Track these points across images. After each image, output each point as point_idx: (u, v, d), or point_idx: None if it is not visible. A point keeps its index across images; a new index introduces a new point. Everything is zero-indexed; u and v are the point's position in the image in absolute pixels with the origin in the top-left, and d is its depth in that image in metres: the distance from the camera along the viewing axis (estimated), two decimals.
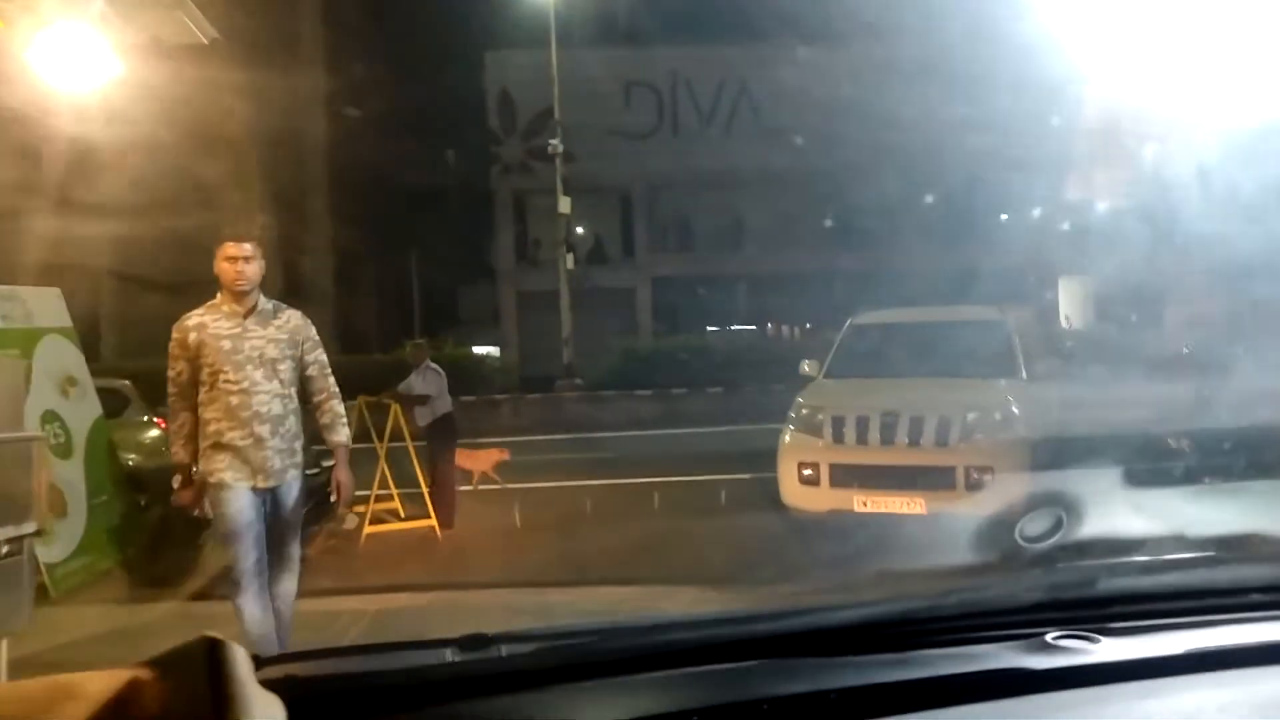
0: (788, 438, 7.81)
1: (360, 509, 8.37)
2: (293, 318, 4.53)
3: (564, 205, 20.60)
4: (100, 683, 0.60)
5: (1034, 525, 2.45)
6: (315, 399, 4.61)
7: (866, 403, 7.53)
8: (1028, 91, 28.66)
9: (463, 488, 10.40)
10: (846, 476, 7.34)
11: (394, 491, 8.93)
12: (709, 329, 28.24)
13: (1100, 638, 1.38)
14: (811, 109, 28.81)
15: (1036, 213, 29.46)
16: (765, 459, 12.69)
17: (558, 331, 22.08)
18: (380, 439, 8.75)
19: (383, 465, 8.73)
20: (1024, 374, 7.83)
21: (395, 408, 8.73)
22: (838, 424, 7.48)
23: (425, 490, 8.73)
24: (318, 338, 4.59)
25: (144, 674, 0.61)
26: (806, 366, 8.85)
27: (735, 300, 30.13)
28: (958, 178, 30.57)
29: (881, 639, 1.40)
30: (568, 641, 1.42)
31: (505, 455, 11.15)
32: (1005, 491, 6.82)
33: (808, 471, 7.49)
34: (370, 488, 8.51)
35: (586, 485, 11.52)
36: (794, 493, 7.62)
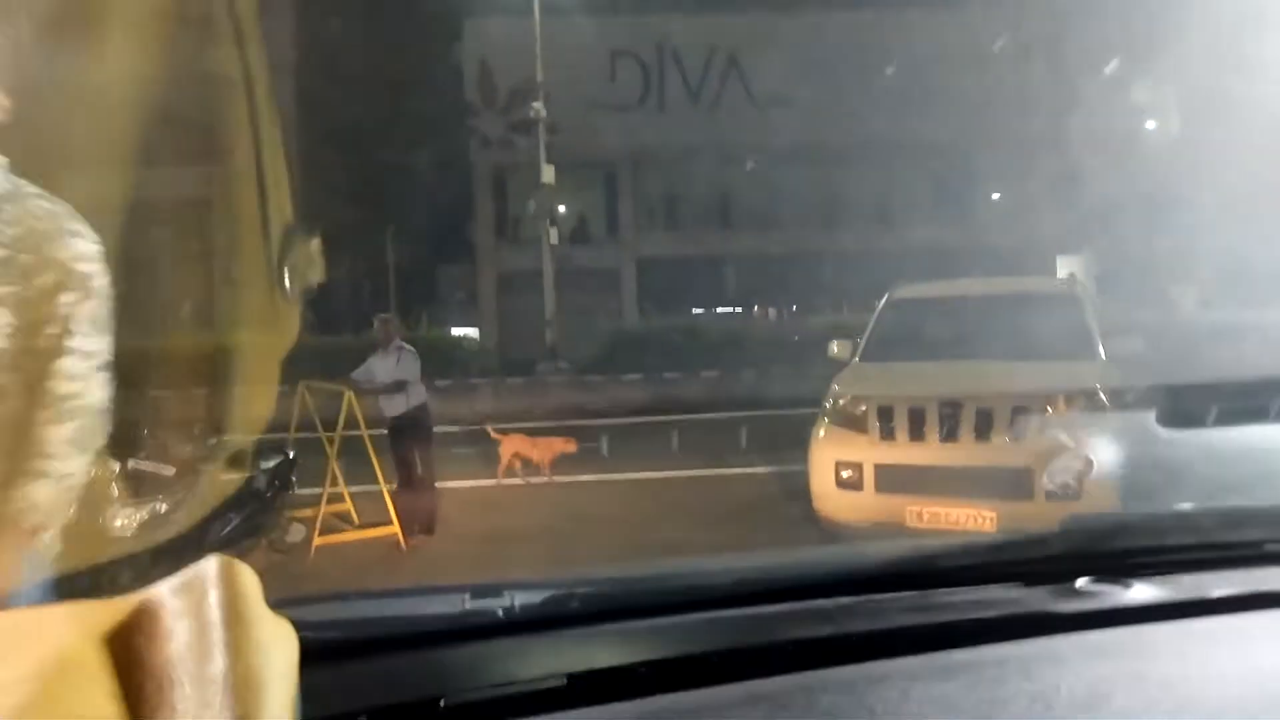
0: (822, 432, 6.41)
1: (307, 513, 6.94)
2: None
3: (547, 174, 19.10)
4: (112, 608, 0.59)
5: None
6: None
7: (920, 391, 6.14)
8: (1032, 65, 27.44)
9: (535, 479, 9.68)
10: (897, 481, 5.95)
11: (344, 491, 7.50)
12: (695, 311, 26.97)
13: (1132, 582, 1.34)
14: (804, 81, 27.47)
15: (1032, 191, 28.23)
16: (774, 451, 11.46)
17: (539, 312, 20.64)
18: (330, 430, 7.31)
19: (333, 464, 7.29)
20: (1102, 354, 6.45)
21: (349, 395, 7.27)
22: (886, 416, 6.08)
23: (385, 491, 7.29)
24: None
25: (155, 596, 0.60)
26: (836, 348, 7.44)
27: (724, 281, 28.73)
28: (955, 154, 29.23)
29: (906, 582, 1.37)
30: (585, 589, 1.31)
31: (570, 446, 9.87)
32: (1094, 501, 5.48)
33: (848, 474, 6.10)
34: (319, 488, 7.07)
35: (571, 483, 10.12)
36: (829, 499, 6.23)
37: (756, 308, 28.48)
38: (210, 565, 0.62)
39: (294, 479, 6.54)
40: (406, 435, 7.56)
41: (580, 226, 27.80)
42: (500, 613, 1.24)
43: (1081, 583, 1.34)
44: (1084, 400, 5.87)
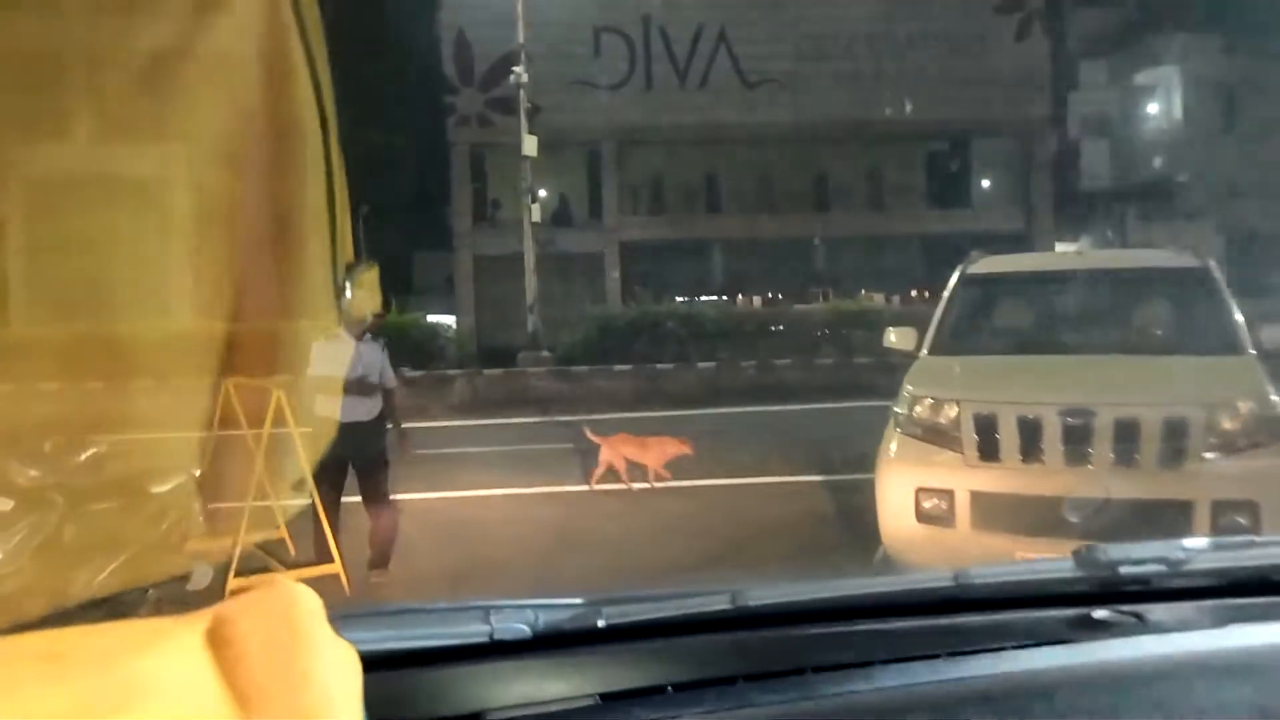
0: (894, 447, 4.82)
1: (213, 544, 5.30)
2: None
3: (529, 146, 17.40)
4: (187, 625, 0.58)
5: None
6: None
7: (1031, 394, 4.56)
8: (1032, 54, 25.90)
9: (639, 485, 8.37)
10: (1002, 515, 4.39)
11: (277, 514, 5.85)
12: (678, 299, 25.38)
13: (1148, 611, 1.34)
14: (796, 59, 25.91)
15: (1026, 176, 26.84)
16: (794, 458, 9.94)
17: (519, 299, 18.97)
18: (256, 434, 5.66)
19: (260, 476, 5.63)
20: (1249, 347, 4.91)
21: (279, 395, 5.58)
22: (986, 428, 4.50)
23: (323, 519, 5.62)
24: None
25: (226, 614, 0.59)
26: (894, 336, 5.84)
27: (711, 267, 27.12)
28: (950, 136, 27.79)
29: (925, 609, 1.36)
30: (615, 607, 1.28)
31: (685, 448, 8.44)
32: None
33: (932, 503, 4.53)
34: (238, 513, 5.43)
35: (560, 493, 8.52)
36: (906, 535, 4.66)
37: (741, 295, 26.81)
38: (276, 585, 0.62)
39: (201, 504, 4.90)
40: (365, 446, 5.84)
41: (562, 209, 26.15)
42: (530, 630, 1.23)
43: (1100, 612, 1.34)
44: (1254, 408, 4.31)
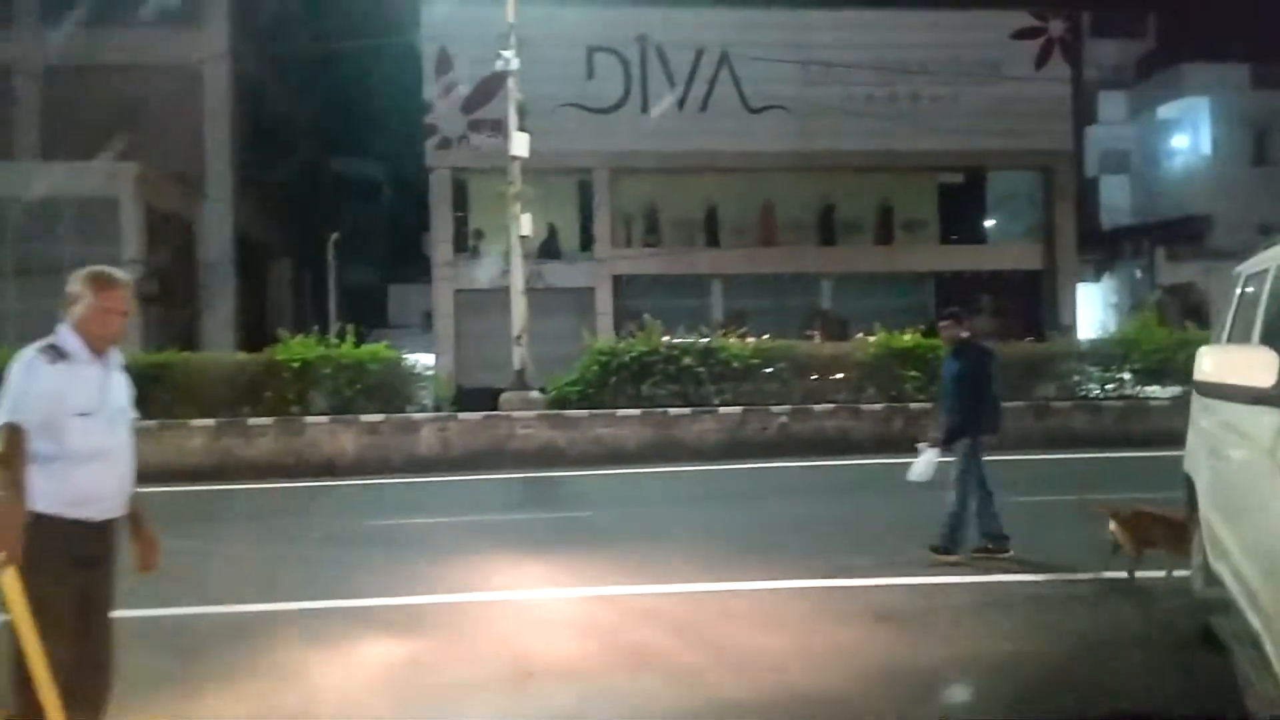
0: None
1: None
2: None
3: (519, 144, 15.05)
4: None
5: None
6: None
7: None
8: None
9: (1180, 573, 5.64)
10: None
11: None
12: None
13: None
14: (803, 84, 23.78)
15: (1048, 210, 24.77)
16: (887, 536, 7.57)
17: (503, 336, 16.53)
18: None
19: None
20: None
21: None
22: None
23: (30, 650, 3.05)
24: None
25: None
26: (1222, 364, 3.66)
27: (709, 303, 24.72)
28: (964, 168, 25.67)
29: None
30: None
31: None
32: None
33: None
34: None
35: (543, 601, 6.06)
36: None
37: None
38: None
39: None
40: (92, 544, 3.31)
41: (550, 240, 23.73)
42: None
43: None
44: None
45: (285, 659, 5.20)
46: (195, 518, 9.23)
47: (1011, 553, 6.91)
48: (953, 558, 6.86)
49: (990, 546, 6.97)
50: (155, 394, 12.72)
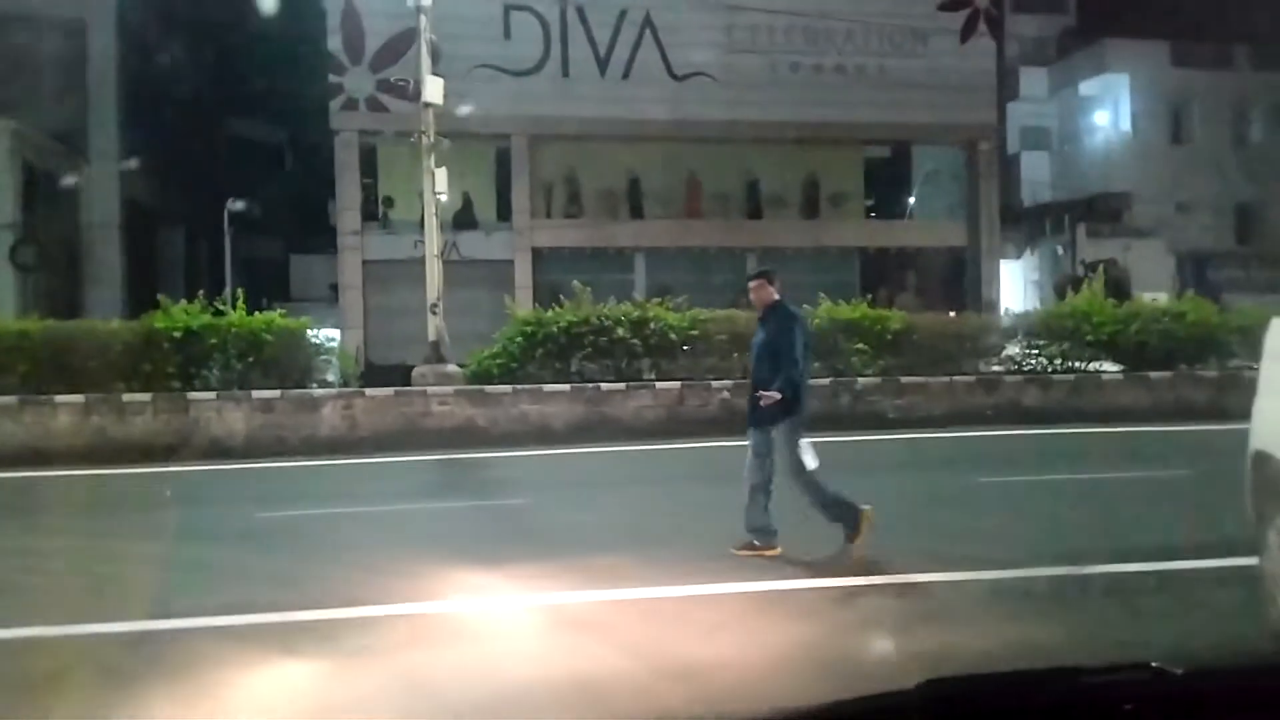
0: None
1: None
2: None
3: (432, 90, 13.78)
4: None
5: None
6: None
7: None
8: None
9: None
10: None
11: None
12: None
13: None
14: (729, 50, 22.90)
15: (971, 186, 24.43)
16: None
17: (416, 310, 15.28)
18: None
19: None
20: None
21: None
22: None
23: None
24: None
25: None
26: None
27: (632, 278, 23.73)
28: (890, 141, 25.15)
29: None
30: None
31: None
32: None
33: None
34: None
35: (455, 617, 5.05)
36: None
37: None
38: None
39: None
40: None
41: (465, 210, 22.43)
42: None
43: None
44: None
45: (142, 692, 4.09)
46: (52, 508, 7.93)
47: (779, 550, 6.08)
48: (859, 537, 6.00)
49: (757, 543, 6.14)
50: (15, 365, 11.29)
